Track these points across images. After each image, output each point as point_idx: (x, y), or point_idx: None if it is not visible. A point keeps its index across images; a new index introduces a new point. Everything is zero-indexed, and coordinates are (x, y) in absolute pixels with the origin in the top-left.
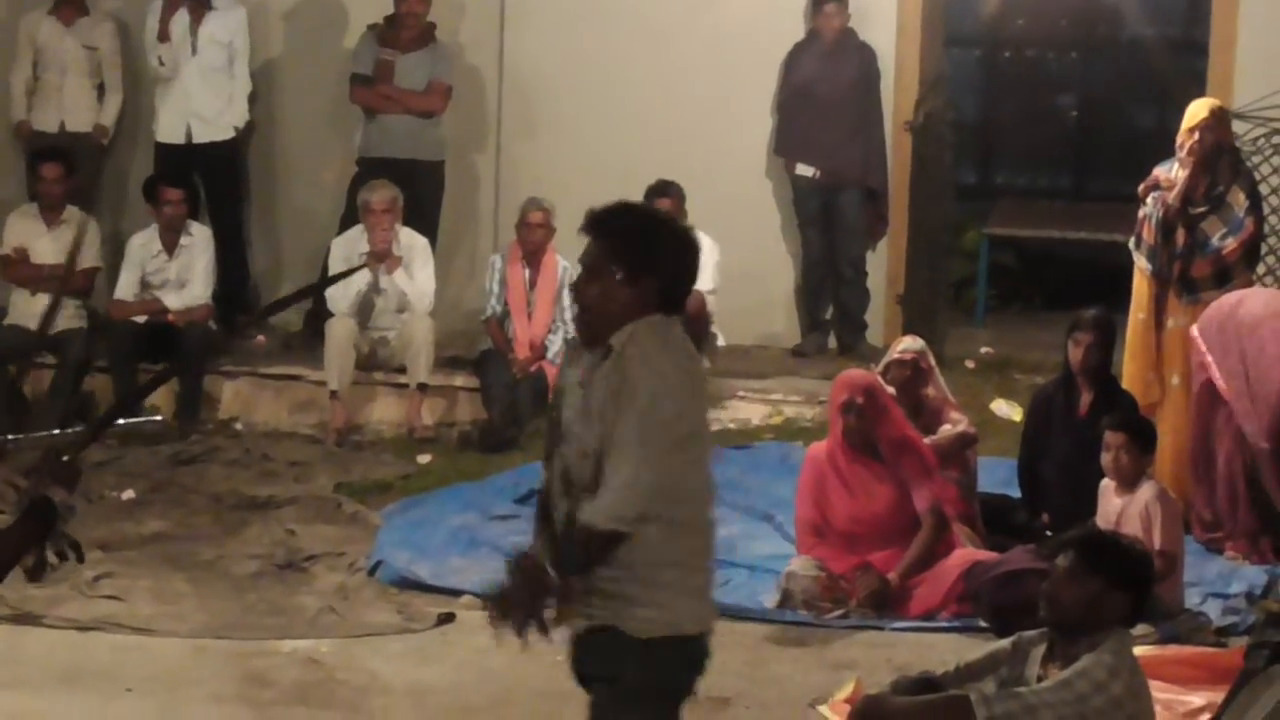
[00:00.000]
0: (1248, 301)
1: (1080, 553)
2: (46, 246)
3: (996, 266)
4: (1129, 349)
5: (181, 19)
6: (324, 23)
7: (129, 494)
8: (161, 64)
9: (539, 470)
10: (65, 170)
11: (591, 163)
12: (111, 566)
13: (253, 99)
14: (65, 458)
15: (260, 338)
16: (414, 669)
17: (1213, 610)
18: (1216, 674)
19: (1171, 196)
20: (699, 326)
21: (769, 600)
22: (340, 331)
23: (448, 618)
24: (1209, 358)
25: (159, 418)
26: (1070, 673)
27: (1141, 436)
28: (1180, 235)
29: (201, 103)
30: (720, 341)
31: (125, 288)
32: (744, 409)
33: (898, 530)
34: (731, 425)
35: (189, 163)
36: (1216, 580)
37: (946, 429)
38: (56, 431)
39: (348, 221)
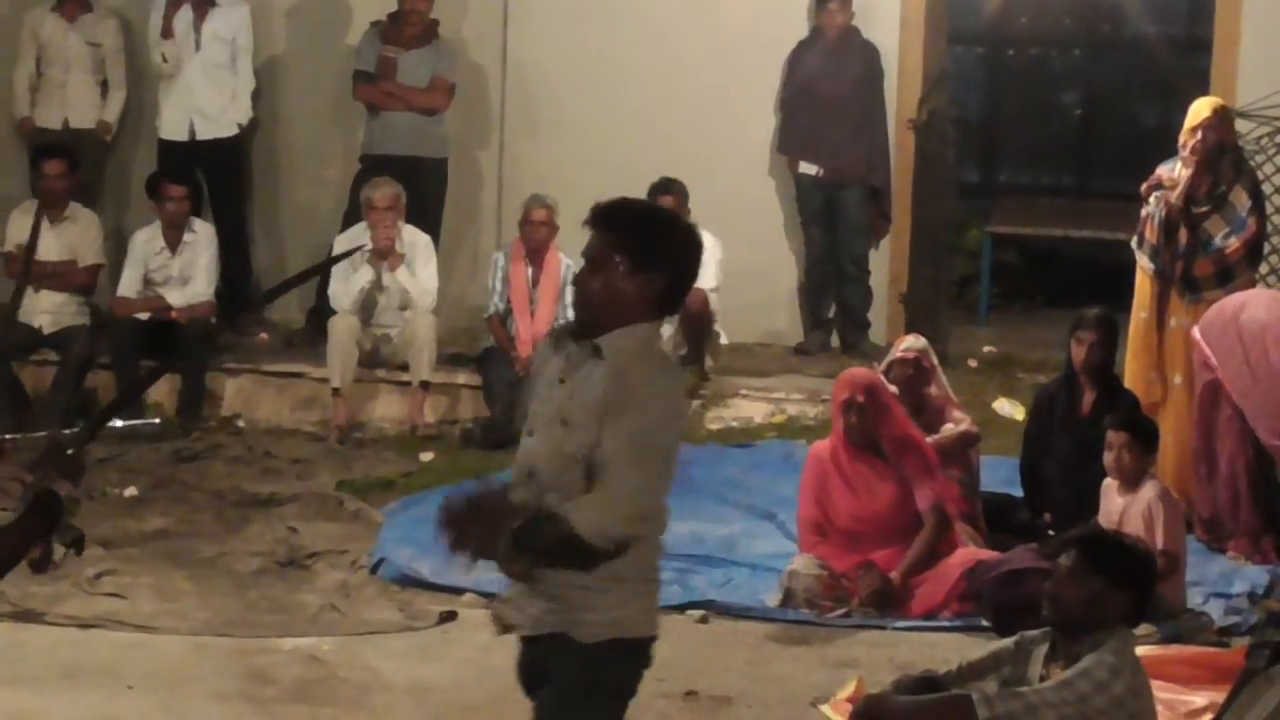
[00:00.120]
0: (1250, 306)
1: (1083, 552)
2: (50, 243)
3: (999, 265)
4: (1131, 348)
5: (185, 15)
6: (327, 19)
7: (131, 491)
8: (165, 60)
9: None
10: (68, 167)
11: (594, 160)
12: (113, 564)
13: (256, 96)
14: (69, 451)
15: (263, 335)
16: (415, 667)
17: (1215, 610)
18: (1218, 674)
19: (1174, 196)
20: (701, 325)
21: (771, 599)
22: (343, 329)
23: (449, 616)
24: (1213, 359)
25: (156, 420)
26: (1072, 672)
27: (1144, 436)
28: (1183, 234)
29: (205, 99)
30: (723, 340)
31: (128, 285)
32: (746, 407)
33: (900, 529)
34: (734, 423)
35: (192, 159)
36: (1218, 580)
37: (949, 428)
38: (45, 433)
39: (351, 218)
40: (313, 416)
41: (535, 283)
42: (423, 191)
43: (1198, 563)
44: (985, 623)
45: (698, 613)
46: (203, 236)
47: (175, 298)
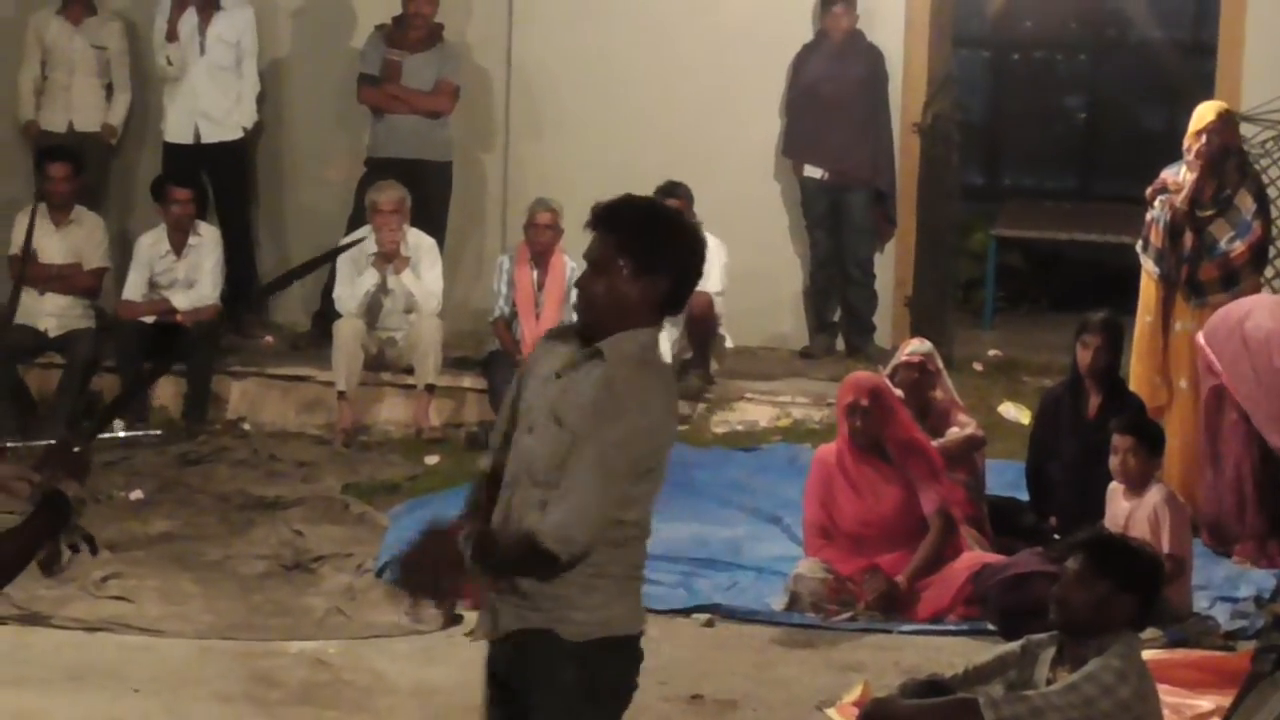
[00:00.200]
0: (1255, 314)
1: (1090, 556)
2: (54, 247)
3: (1004, 268)
4: (1136, 352)
5: (190, 19)
6: (332, 23)
7: (137, 494)
8: (169, 64)
9: None
10: (73, 170)
11: (599, 163)
12: (119, 567)
13: (260, 99)
14: (75, 449)
15: (268, 338)
16: (420, 670)
17: (1221, 614)
18: (1224, 677)
19: (1179, 199)
20: (706, 328)
21: (776, 602)
22: (348, 332)
23: (454, 619)
24: (1218, 365)
25: (158, 431)
26: (1078, 676)
27: (1149, 439)
28: (1188, 238)
29: (209, 102)
30: (728, 343)
31: (133, 288)
32: (751, 411)
33: (905, 532)
34: (739, 427)
35: (197, 162)
36: (1224, 584)
37: (954, 431)
38: (51, 442)
39: (355, 222)
40: (318, 420)
41: (540, 286)
42: (427, 194)
43: (1204, 566)
44: (991, 626)
45: (703, 616)
46: (208, 240)
47: (180, 301)
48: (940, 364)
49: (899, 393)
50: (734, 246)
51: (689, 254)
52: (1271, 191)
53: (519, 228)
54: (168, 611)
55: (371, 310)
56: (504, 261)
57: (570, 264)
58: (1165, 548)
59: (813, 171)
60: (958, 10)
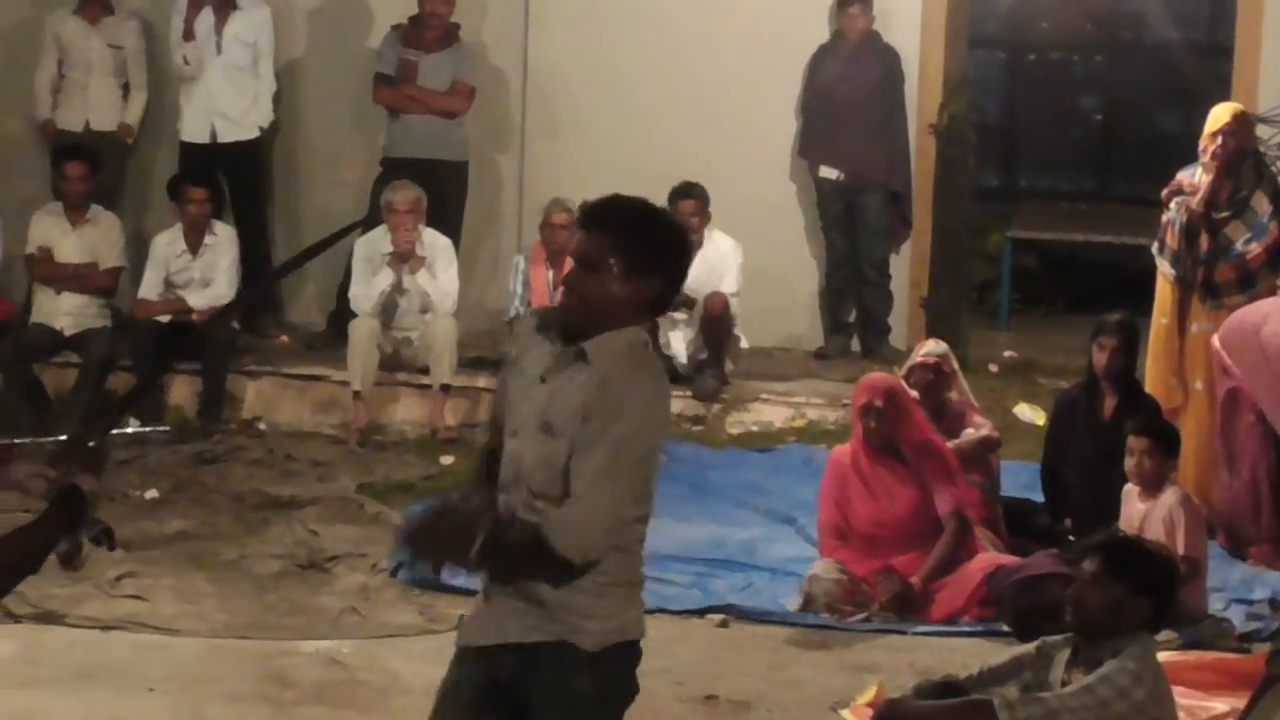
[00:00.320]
0: (1272, 320)
1: (1106, 558)
2: (71, 245)
3: (1020, 269)
4: (1152, 353)
5: (206, 18)
6: (348, 22)
7: (152, 493)
8: (186, 63)
9: None
10: (89, 169)
11: (614, 164)
12: (134, 566)
13: (277, 98)
14: (90, 443)
15: (284, 337)
16: (435, 669)
17: (1236, 616)
18: (1239, 680)
19: (1195, 201)
20: (721, 329)
21: (791, 603)
22: (363, 332)
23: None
24: (1235, 369)
25: (166, 427)
26: (1093, 678)
27: (1165, 441)
28: (1204, 240)
29: (226, 102)
30: (743, 344)
31: (149, 287)
32: (767, 411)
33: (920, 534)
34: (754, 428)
35: (213, 162)
36: (1239, 586)
37: (969, 433)
38: (64, 437)
39: (371, 222)
40: (333, 419)
41: (556, 286)
42: (443, 195)
43: (1219, 568)
44: (1005, 628)
45: (717, 617)
46: (223, 239)
47: (196, 300)
48: (955, 365)
49: (914, 394)
50: (749, 247)
51: (679, 256)
52: None
53: (534, 228)
54: (182, 610)
55: (387, 310)
56: (519, 261)
57: None
58: (1180, 550)
59: (828, 172)
60: (974, 11)
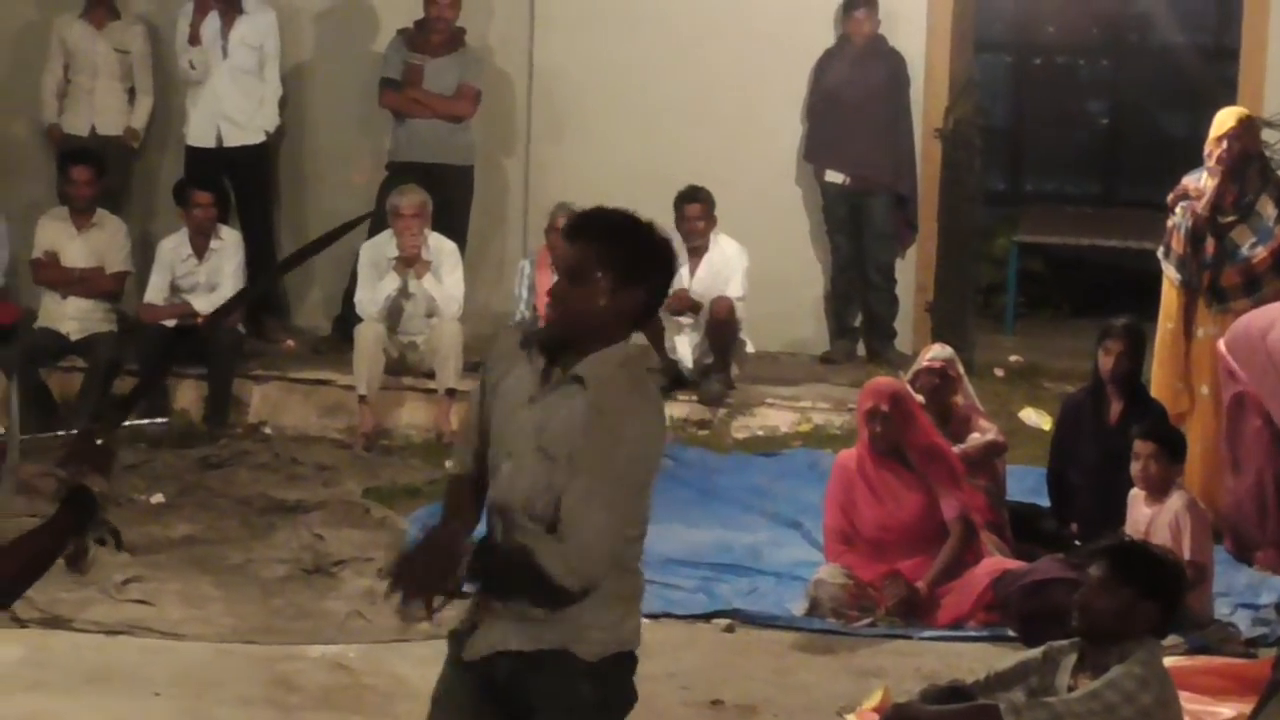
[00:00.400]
0: (1279, 325)
1: (1113, 562)
2: (76, 250)
3: (1026, 273)
4: (1158, 358)
5: (212, 22)
6: (354, 27)
7: (158, 498)
8: (192, 67)
9: None
10: (95, 173)
11: (620, 168)
12: (140, 570)
13: (283, 103)
14: (98, 441)
15: (289, 342)
16: None
17: (1242, 621)
18: (1245, 685)
19: (1200, 205)
20: (727, 333)
21: (797, 608)
22: (369, 336)
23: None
24: (1241, 374)
25: (162, 420)
26: (1100, 683)
27: (1171, 446)
28: (1209, 244)
29: (232, 106)
30: (749, 348)
31: (155, 291)
32: (772, 416)
33: (926, 538)
34: (760, 432)
35: (219, 166)
36: (1246, 591)
37: (975, 437)
38: (61, 433)
39: (377, 226)
40: (339, 423)
41: None
42: (449, 199)
43: (1225, 573)
44: (1011, 632)
45: (723, 621)
46: (229, 243)
47: (202, 304)
48: (961, 369)
49: (920, 398)
50: (755, 251)
51: (666, 266)
52: None
53: (540, 232)
54: (188, 615)
55: (393, 314)
56: (525, 266)
57: None
58: (1186, 554)
59: (834, 176)
60: (979, 15)
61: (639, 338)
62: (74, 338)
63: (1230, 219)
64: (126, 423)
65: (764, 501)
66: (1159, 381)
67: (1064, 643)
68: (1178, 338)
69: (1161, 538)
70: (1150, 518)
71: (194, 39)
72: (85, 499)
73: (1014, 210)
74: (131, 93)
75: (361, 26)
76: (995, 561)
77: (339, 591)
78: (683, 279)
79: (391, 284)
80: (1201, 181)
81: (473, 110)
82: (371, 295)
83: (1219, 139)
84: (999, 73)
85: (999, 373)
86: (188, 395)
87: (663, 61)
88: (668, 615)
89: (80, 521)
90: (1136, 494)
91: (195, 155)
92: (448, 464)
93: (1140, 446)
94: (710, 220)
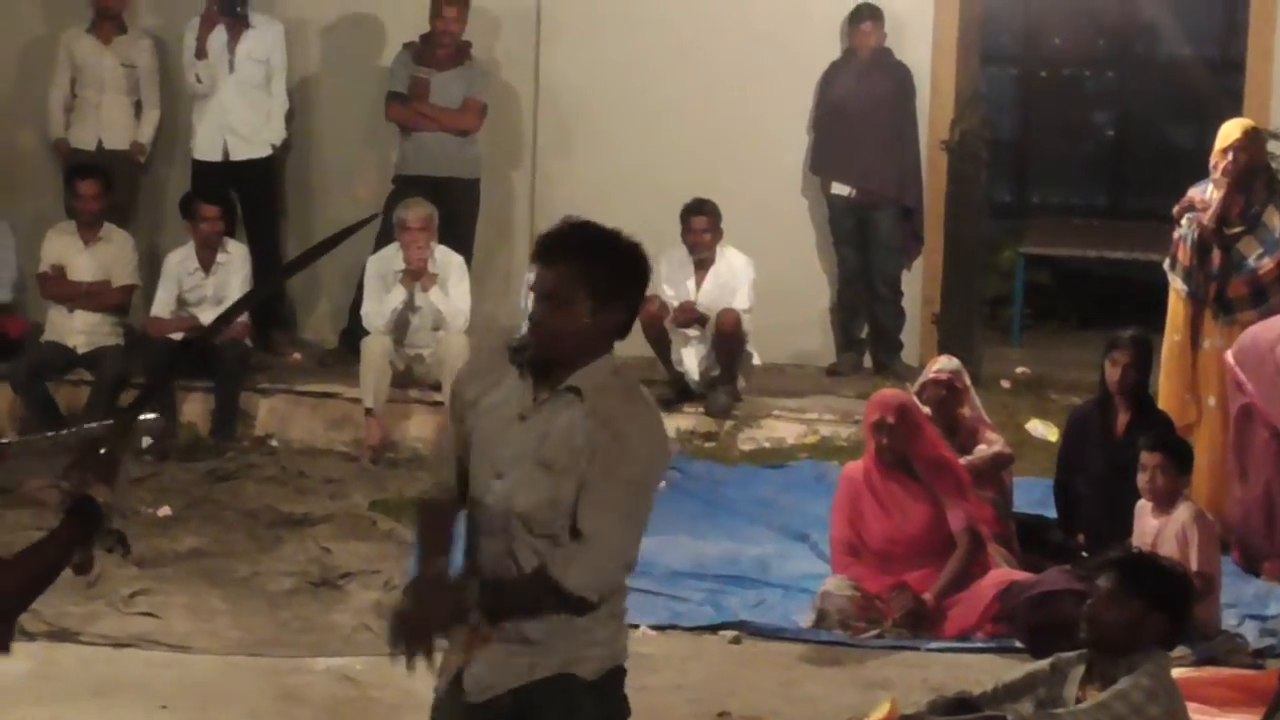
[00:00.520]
0: None
1: (1122, 574)
2: (84, 264)
3: (1032, 285)
4: (1165, 369)
5: (219, 36)
6: (360, 40)
7: (165, 510)
8: (199, 81)
9: None
10: (102, 187)
11: (627, 180)
12: (147, 583)
13: (289, 116)
14: (102, 451)
15: (296, 355)
16: None
17: (1250, 632)
18: (1253, 695)
19: (1206, 217)
20: (734, 345)
21: (804, 620)
22: (376, 349)
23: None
24: (1249, 385)
25: (153, 415)
26: (1108, 695)
27: (1178, 457)
28: (1216, 256)
29: (239, 120)
30: (755, 360)
31: (162, 305)
32: (779, 428)
33: (933, 550)
34: (766, 444)
35: (226, 180)
36: (1253, 601)
37: (982, 449)
38: (51, 433)
39: (383, 239)
40: (346, 436)
41: None
42: (455, 212)
43: (1232, 584)
44: (1019, 644)
45: (730, 633)
46: (236, 257)
47: (209, 318)
48: (968, 381)
49: (926, 410)
50: (761, 263)
51: (643, 280)
52: None
53: None
54: (195, 628)
55: (399, 327)
56: (531, 278)
57: None
58: (1194, 565)
59: (840, 188)
60: (986, 27)
61: (645, 349)
62: (81, 351)
63: (1236, 230)
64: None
65: (771, 513)
66: (1166, 393)
67: (1071, 654)
68: (1184, 349)
69: (1169, 549)
70: (1157, 529)
71: (201, 53)
72: (90, 509)
73: (1020, 222)
74: (138, 106)
75: (368, 40)
76: (1002, 573)
77: (346, 604)
78: (689, 291)
79: (398, 297)
80: (1207, 193)
81: (479, 123)
82: (378, 308)
83: (1224, 151)
84: (1005, 85)
85: (1006, 384)
86: (195, 408)
87: (669, 75)
88: (674, 627)
89: (86, 532)
90: (1143, 505)
91: (202, 169)
92: (426, 494)
93: (1147, 458)
94: (716, 232)
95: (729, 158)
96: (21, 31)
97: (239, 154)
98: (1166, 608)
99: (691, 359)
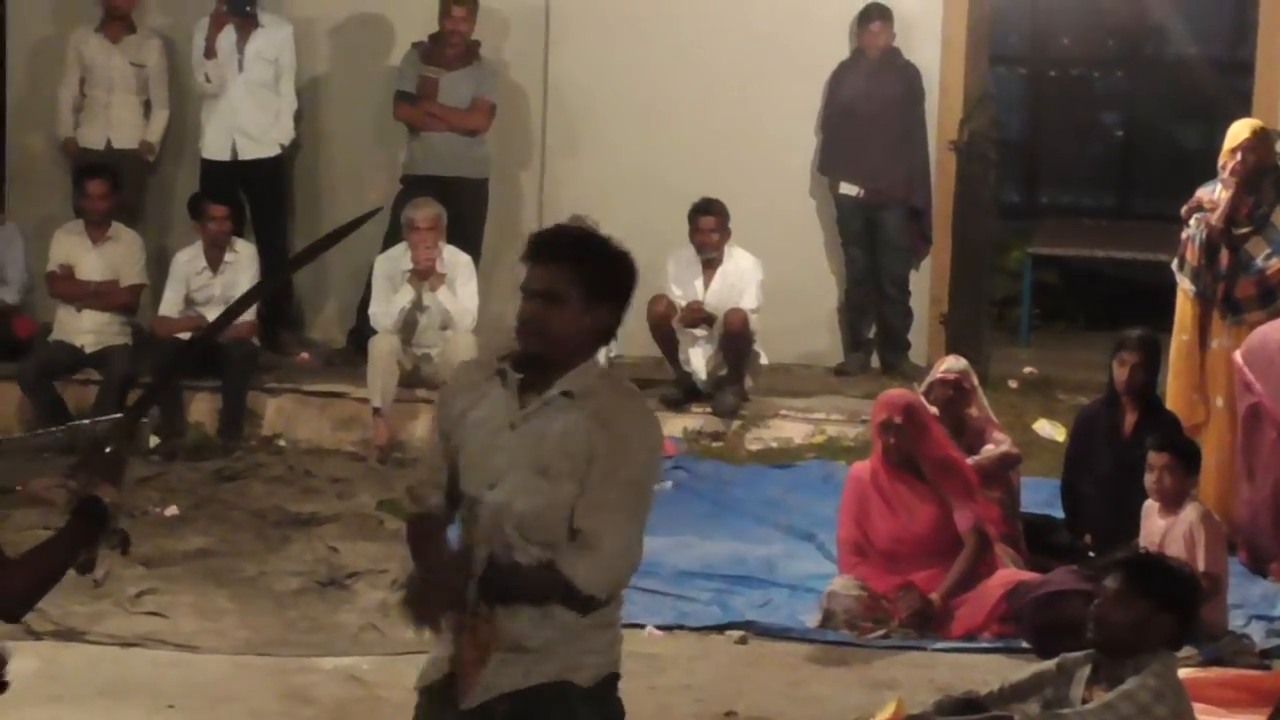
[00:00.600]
0: None
1: (1128, 575)
2: (92, 263)
3: (1040, 285)
4: (1173, 369)
5: (228, 36)
6: (369, 40)
7: (172, 510)
8: (208, 81)
9: None
10: (111, 187)
11: (635, 180)
12: (154, 582)
13: (298, 116)
14: (108, 451)
15: (304, 354)
16: None
17: (1256, 632)
18: (1259, 696)
19: (1215, 217)
20: (741, 345)
21: (810, 620)
22: (383, 348)
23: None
24: (1258, 386)
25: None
26: (1115, 695)
27: (1185, 457)
28: (1224, 256)
29: (247, 119)
30: (763, 360)
31: (170, 304)
32: (786, 428)
33: (940, 550)
34: (774, 444)
35: (234, 179)
36: (1260, 602)
37: (989, 449)
38: (40, 431)
39: (391, 238)
40: (353, 436)
41: None
42: (464, 211)
43: (1239, 585)
44: (1025, 644)
45: (737, 633)
46: (244, 256)
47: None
48: (975, 381)
49: (934, 410)
50: (769, 263)
51: (632, 282)
52: None
53: None
54: (202, 627)
55: (407, 327)
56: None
57: None
58: (1201, 566)
59: (849, 189)
60: (994, 27)
61: (653, 349)
62: (89, 350)
63: (1245, 230)
64: (104, 416)
65: (778, 513)
66: (1174, 393)
67: (1078, 654)
68: (1192, 349)
69: (1176, 549)
70: (1164, 529)
71: (210, 52)
72: (97, 509)
73: (1028, 223)
74: (147, 106)
75: (376, 40)
76: (1009, 573)
77: (353, 604)
78: (697, 291)
79: (406, 297)
80: (1216, 193)
81: (487, 124)
82: (386, 308)
83: (1233, 151)
84: (1014, 85)
85: (1013, 384)
86: (202, 408)
87: (677, 75)
88: (681, 627)
89: (92, 532)
90: (1151, 505)
91: (210, 168)
92: (414, 507)
93: (1154, 458)
94: (725, 232)
95: (737, 158)
96: (31, 31)
97: (247, 154)
98: (1173, 608)
99: (699, 359)
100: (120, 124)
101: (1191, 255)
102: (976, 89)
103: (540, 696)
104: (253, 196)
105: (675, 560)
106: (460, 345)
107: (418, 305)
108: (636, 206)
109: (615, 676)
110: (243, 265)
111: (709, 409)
